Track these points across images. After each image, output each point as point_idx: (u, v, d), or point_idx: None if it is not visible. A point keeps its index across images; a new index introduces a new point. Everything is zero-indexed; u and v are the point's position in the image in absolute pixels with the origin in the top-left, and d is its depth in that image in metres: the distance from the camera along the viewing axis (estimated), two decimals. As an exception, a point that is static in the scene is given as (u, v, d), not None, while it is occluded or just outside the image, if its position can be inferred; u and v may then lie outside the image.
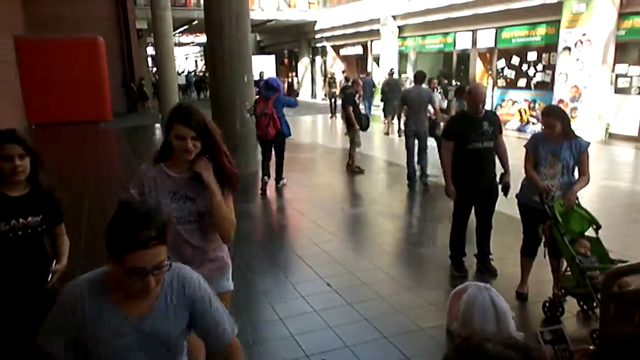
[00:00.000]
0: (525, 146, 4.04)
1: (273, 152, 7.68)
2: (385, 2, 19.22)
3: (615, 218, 6.07)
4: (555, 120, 3.81)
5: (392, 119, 13.61)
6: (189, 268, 1.68)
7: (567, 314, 3.73)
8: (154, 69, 24.89)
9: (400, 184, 8.13)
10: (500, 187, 4.49)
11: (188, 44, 44.55)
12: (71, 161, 10.81)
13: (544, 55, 13.34)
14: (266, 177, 7.71)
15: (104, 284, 1.51)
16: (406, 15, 18.47)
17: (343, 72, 18.36)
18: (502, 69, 14.86)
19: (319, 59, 27.24)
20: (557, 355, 1.50)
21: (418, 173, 8.06)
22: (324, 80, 25.97)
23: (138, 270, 1.40)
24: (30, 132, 14.49)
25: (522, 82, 14.13)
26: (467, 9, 15.23)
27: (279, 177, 7.94)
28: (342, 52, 25.06)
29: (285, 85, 28.13)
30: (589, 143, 3.94)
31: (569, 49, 11.92)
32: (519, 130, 13.65)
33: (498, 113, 13.94)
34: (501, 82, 14.92)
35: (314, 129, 15.46)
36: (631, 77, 11.37)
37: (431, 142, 8.15)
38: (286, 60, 30.77)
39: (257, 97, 7.93)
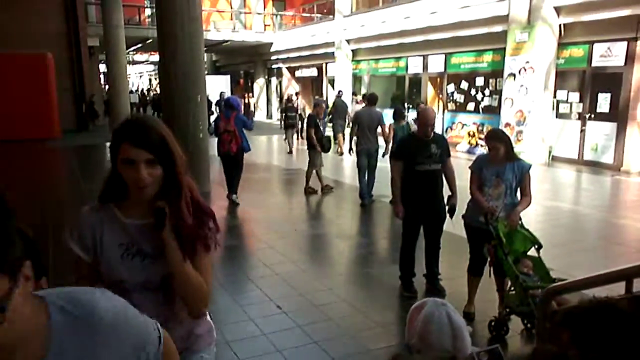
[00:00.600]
0: (470, 168, 4.16)
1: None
2: (339, 26, 19.60)
3: (558, 238, 6.31)
4: (499, 143, 3.95)
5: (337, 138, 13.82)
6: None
7: (511, 333, 3.82)
8: (107, 87, 24.38)
9: (354, 204, 8.19)
10: (447, 208, 4.60)
11: (142, 62, 43.91)
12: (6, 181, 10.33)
13: (490, 80, 13.90)
14: (234, 195, 8.14)
15: None
16: (360, 39, 18.89)
17: (297, 93, 18.48)
18: (452, 93, 15.37)
19: (274, 80, 27.38)
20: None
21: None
22: (280, 102, 26.08)
23: None
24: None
25: (470, 106, 14.65)
26: (418, 35, 15.73)
27: (234, 191, 8.19)
28: (298, 73, 25.30)
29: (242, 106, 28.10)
30: (530, 165, 4.10)
31: (514, 75, 12.46)
32: (469, 152, 14.07)
33: (448, 136, 14.48)
34: (451, 105, 15.42)
35: (269, 149, 15.44)
36: (571, 103, 11.98)
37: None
38: (241, 81, 30.76)
39: (219, 115, 8.45)
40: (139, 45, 25.10)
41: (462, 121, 14.95)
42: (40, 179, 10.92)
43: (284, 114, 14.68)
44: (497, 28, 12.98)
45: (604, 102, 11.29)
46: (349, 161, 12.46)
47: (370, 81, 19.45)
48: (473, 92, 14.55)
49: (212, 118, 20.38)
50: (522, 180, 3.98)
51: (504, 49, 12.70)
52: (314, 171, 8.96)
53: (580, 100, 11.76)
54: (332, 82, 21.09)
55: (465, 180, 4.63)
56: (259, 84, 27.84)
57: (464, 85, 14.83)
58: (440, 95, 16.01)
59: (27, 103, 16.45)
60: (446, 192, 4.65)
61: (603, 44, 11.05)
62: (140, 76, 55.96)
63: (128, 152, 1.49)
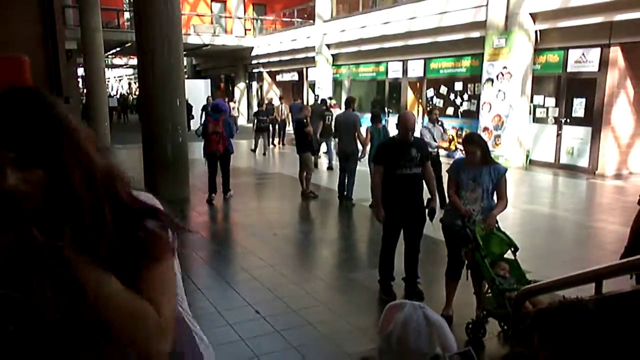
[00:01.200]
0: (447, 171, 4.20)
1: (219, 168, 8.48)
2: (320, 31, 19.66)
3: (534, 240, 6.40)
4: (475, 148, 3.99)
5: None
6: None
7: (489, 335, 3.85)
8: (85, 90, 24.03)
9: (334, 208, 8.20)
10: (427, 211, 4.63)
11: (122, 65, 43.40)
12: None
13: (469, 85, 14.07)
14: (213, 194, 8.48)
15: None
16: (340, 44, 18.98)
17: (281, 98, 18.45)
18: (431, 97, 15.50)
19: (255, 84, 27.32)
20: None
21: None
22: (259, 106, 26.00)
23: None
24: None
25: (450, 110, 14.79)
26: (398, 40, 15.87)
27: (226, 190, 8.66)
28: (279, 78, 25.29)
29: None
30: (506, 169, 4.16)
31: (492, 80, 12.63)
32: (448, 156, 14.19)
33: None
34: (431, 110, 15.54)
35: (250, 153, 15.36)
36: (547, 107, 12.19)
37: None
38: (222, 85, 30.63)
39: (208, 117, 8.86)
40: (118, 48, 24.81)
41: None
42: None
43: (255, 118, 14.99)
44: (475, 34, 13.15)
45: (579, 106, 11.52)
46: (329, 165, 12.48)
47: (351, 86, 19.53)
48: (452, 96, 14.71)
49: (192, 122, 20.35)
50: (498, 184, 4.03)
51: (482, 54, 12.88)
52: (304, 174, 9.00)
53: (556, 105, 11.98)
54: (312, 86, 21.12)
55: (444, 183, 4.68)
56: (240, 88, 27.75)
57: (443, 90, 14.98)
58: (420, 100, 16.15)
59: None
60: (426, 195, 4.69)
61: (578, 50, 11.28)
62: (120, 80, 55.31)
63: None
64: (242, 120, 27.19)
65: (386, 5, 17.13)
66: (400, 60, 16.49)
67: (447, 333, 1.55)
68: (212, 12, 27.78)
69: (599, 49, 10.85)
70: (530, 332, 1.39)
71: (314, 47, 20.12)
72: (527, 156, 12.46)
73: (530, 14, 11.78)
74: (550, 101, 12.13)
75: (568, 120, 11.73)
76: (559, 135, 11.91)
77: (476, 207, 3.98)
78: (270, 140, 16.25)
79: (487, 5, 12.53)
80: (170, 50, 8.39)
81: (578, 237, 6.92)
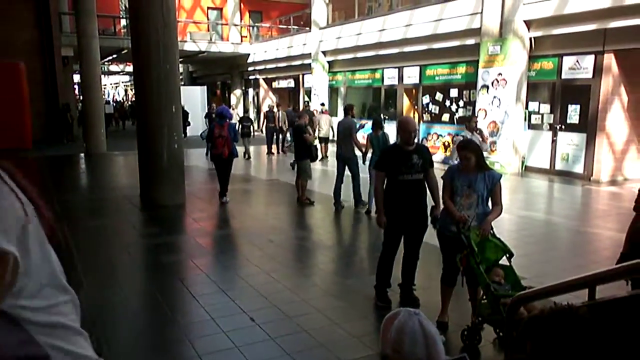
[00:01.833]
0: (442, 177, 4.21)
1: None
2: (316, 38, 19.74)
3: (530, 246, 6.40)
4: (470, 153, 4.00)
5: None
6: None
7: (484, 342, 3.84)
8: (81, 97, 24.02)
9: (329, 214, 8.19)
10: (430, 219, 4.60)
11: (118, 72, 43.42)
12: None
13: (464, 92, 14.12)
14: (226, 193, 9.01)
15: None
16: (336, 51, 19.04)
17: (278, 105, 18.50)
18: (427, 104, 15.56)
19: (251, 91, 27.37)
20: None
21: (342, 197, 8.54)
22: (257, 113, 26.06)
23: None
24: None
25: (445, 117, 14.84)
26: (394, 47, 15.93)
27: (223, 193, 9.00)
28: (275, 84, 25.33)
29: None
30: (501, 175, 4.17)
31: (487, 87, 12.69)
32: (444, 162, 14.22)
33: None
34: (426, 116, 15.60)
35: (242, 159, 15.33)
36: (542, 114, 12.24)
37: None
38: (218, 92, 30.67)
39: (214, 123, 9.30)
40: (114, 55, 24.84)
41: (437, 132, 15.13)
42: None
43: (240, 124, 15.31)
44: (470, 41, 13.22)
45: (573, 113, 11.58)
46: (324, 171, 12.49)
47: (347, 92, 19.58)
48: (448, 103, 14.76)
49: (189, 129, 20.38)
50: (493, 190, 4.04)
51: (477, 61, 12.93)
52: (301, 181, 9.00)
53: (551, 112, 12.03)
54: (308, 93, 21.15)
55: (440, 189, 4.67)
56: (236, 95, 27.79)
57: (439, 96, 15.04)
58: (416, 107, 16.19)
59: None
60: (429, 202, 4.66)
61: (572, 57, 11.35)
62: (116, 87, 55.32)
63: None
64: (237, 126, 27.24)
65: (382, 13, 17.21)
66: (396, 67, 16.55)
67: (439, 345, 1.56)
68: (208, 19, 27.87)
69: (593, 56, 10.92)
70: (523, 339, 1.38)
71: (310, 54, 20.18)
72: (523, 162, 12.49)
73: (524, 21, 11.86)
74: (545, 108, 12.18)
75: (563, 127, 11.78)
76: (554, 141, 11.96)
77: (471, 213, 3.99)
78: (280, 146, 16.75)
79: (482, 12, 12.61)
80: (166, 56, 8.40)
81: (573, 243, 6.93)
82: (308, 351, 3.72)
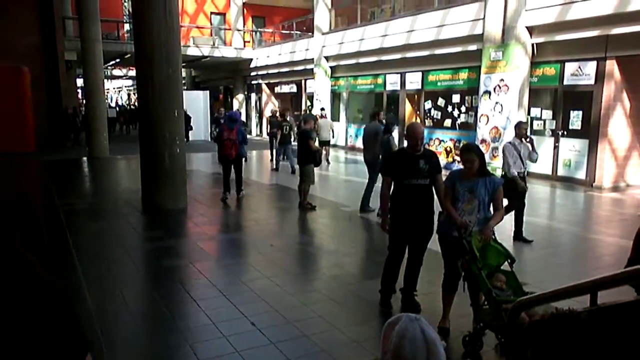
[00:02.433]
0: (444, 183, 4.20)
1: (233, 170, 9.47)
2: (318, 44, 19.79)
3: (531, 252, 6.39)
4: (475, 156, 3.99)
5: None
6: None
7: (485, 347, 3.82)
8: (84, 101, 24.08)
9: (330, 219, 8.18)
10: (436, 225, 4.57)
11: (121, 77, 43.60)
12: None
13: (466, 97, 14.14)
14: (227, 193, 9.43)
15: None
16: (339, 56, 19.09)
17: (286, 110, 18.52)
18: (429, 109, 15.58)
19: (254, 96, 27.42)
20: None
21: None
22: (259, 118, 26.09)
23: None
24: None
25: (447, 122, 14.85)
26: (396, 53, 15.98)
27: (239, 189, 9.65)
28: (277, 89, 25.38)
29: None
30: (502, 181, 4.17)
31: (489, 93, 12.70)
32: (446, 168, 14.20)
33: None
34: (428, 122, 15.60)
35: (249, 164, 15.35)
36: (544, 120, 12.24)
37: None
38: (221, 96, 30.74)
39: (223, 126, 9.84)
40: (117, 60, 24.95)
41: (439, 137, 15.14)
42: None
43: None
44: (473, 47, 13.25)
45: (575, 119, 11.58)
46: (326, 177, 12.49)
47: (349, 98, 19.61)
48: (450, 109, 14.78)
49: (191, 133, 20.43)
50: (494, 196, 4.04)
51: (479, 67, 12.95)
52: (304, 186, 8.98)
53: (553, 118, 12.03)
54: (311, 98, 21.18)
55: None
56: (239, 99, 27.85)
57: (441, 102, 15.05)
58: (418, 112, 16.21)
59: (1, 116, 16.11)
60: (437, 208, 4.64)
61: (574, 63, 11.36)
62: (119, 91, 55.54)
63: None
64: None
65: (384, 18, 17.26)
66: (398, 73, 16.58)
67: (440, 351, 1.55)
68: (211, 24, 27.98)
69: (595, 62, 10.93)
70: (524, 344, 1.38)
71: (312, 59, 20.23)
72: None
73: (527, 27, 11.88)
74: (547, 114, 12.18)
75: (565, 133, 11.77)
76: (556, 147, 11.95)
77: (472, 219, 3.98)
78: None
79: (484, 18, 12.64)
80: (168, 61, 8.44)
81: (575, 249, 6.91)
82: (309, 356, 3.71)
